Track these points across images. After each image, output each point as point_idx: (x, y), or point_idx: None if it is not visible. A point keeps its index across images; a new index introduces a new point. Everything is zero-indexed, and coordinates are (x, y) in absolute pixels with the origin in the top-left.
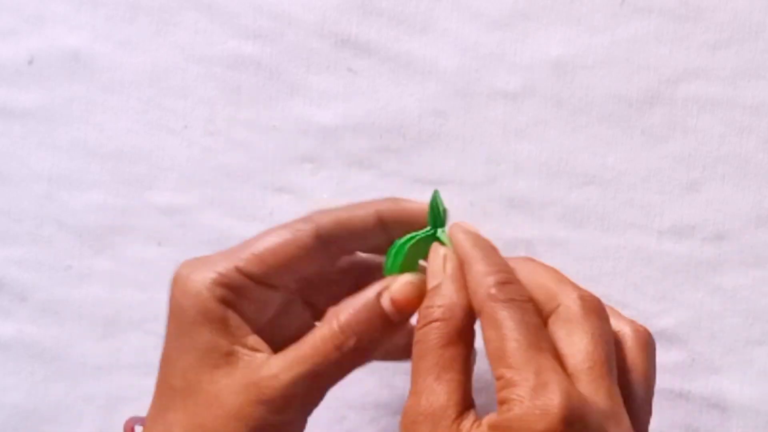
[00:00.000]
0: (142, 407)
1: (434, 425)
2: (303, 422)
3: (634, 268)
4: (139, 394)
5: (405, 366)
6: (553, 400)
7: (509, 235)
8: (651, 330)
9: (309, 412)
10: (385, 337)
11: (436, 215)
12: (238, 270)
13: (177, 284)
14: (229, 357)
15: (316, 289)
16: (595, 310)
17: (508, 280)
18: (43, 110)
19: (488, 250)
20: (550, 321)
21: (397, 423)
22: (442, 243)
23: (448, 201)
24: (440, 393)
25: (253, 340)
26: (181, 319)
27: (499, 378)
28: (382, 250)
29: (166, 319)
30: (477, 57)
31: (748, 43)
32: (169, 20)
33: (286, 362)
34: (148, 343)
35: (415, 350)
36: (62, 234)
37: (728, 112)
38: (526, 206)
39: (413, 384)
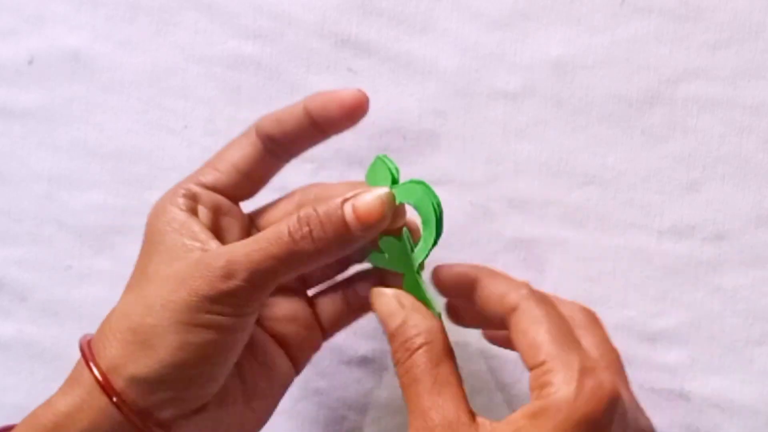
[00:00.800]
0: None
1: None
2: (251, 302)
3: (634, 268)
4: None
5: None
6: (603, 382)
7: (509, 235)
8: (651, 330)
9: (258, 295)
10: (342, 245)
11: (381, 172)
12: (199, 183)
13: (151, 211)
14: (190, 252)
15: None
16: (597, 320)
17: (533, 288)
18: (43, 110)
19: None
20: None
21: (397, 423)
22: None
23: (448, 201)
24: (448, 405)
25: (216, 245)
26: (151, 237)
27: (539, 365)
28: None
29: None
30: (477, 57)
31: (748, 43)
32: (169, 20)
33: (240, 243)
34: None
35: (406, 379)
36: (62, 234)
37: (728, 112)
38: (526, 206)
39: (415, 406)
